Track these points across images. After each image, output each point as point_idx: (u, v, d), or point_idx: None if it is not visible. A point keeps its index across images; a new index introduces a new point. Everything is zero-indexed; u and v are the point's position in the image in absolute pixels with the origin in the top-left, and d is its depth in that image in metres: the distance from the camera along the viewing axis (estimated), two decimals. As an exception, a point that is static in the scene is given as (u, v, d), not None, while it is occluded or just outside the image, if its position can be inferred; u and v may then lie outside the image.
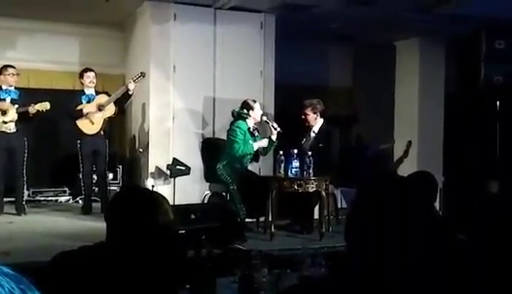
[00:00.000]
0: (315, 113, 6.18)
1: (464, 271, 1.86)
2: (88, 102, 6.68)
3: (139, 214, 1.78)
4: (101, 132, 6.68)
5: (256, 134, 6.10)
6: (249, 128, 6.00)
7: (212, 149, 6.40)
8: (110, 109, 6.68)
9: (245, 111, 6.02)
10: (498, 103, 6.70)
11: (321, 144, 6.06)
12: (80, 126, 6.64)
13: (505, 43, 6.47)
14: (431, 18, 6.99)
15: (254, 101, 6.11)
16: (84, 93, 6.74)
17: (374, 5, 6.61)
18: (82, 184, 6.98)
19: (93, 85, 6.75)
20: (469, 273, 1.91)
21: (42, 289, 0.84)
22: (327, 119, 6.40)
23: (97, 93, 6.78)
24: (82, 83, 6.79)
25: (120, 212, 1.81)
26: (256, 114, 6.05)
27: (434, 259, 1.45)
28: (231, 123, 6.05)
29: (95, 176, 6.91)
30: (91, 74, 6.75)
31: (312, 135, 6.24)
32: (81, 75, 6.79)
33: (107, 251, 1.77)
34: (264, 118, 6.08)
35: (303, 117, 6.21)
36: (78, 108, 6.64)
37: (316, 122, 6.23)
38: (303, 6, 6.86)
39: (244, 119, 6.00)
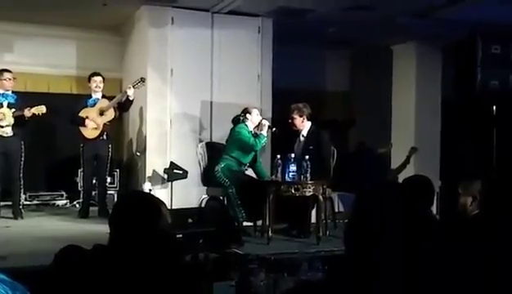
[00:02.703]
0: (301, 116, 6.15)
1: (461, 275, 1.87)
2: (94, 106, 6.72)
3: (136, 219, 1.79)
4: (104, 136, 6.71)
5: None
6: (250, 131, 6.06)
7: (209, 153, 6.40)
8: (110, 114, 6.71)
9: (243, 114, 6.11)
10: (494, 108, 6.71)
11: (311, 147, 6.05)
12: (82, 130, 6.70)
13: (501, 48, 6.48)
14: (428, 23, 7.01)
15: (253, 108, 6.26)
16: (91, 97, 6.80)
17: (371, 9, 6.63)
18: (80, 188, 6.96)
19: (99, 89, 6.82)
20: (466, 276, 1.91)
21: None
22: (324, 123, 6.39)
23: (104, 97, 6.82)
24: (89, 87, 6.84)
25: (118, 217, 1.82)
26: (253, 117, 6.10)
27: (432, 263, 1.46)
28: (232, 129, 6.10)
29: (94, 180, 6.91)
30: (97, 79, 6.80)
31: (302, 139, 6.22)
32: (89, 79, 6.86)
33: (104, 255, 1.77)
34: (264, 122, 6.11)
35: (289, 121, 6.21)
36: (81, 114, 6.68)
37: (304, 126, 6.19)
38: (301, 11, 6.88)
39: (244, 122, 6.06)
